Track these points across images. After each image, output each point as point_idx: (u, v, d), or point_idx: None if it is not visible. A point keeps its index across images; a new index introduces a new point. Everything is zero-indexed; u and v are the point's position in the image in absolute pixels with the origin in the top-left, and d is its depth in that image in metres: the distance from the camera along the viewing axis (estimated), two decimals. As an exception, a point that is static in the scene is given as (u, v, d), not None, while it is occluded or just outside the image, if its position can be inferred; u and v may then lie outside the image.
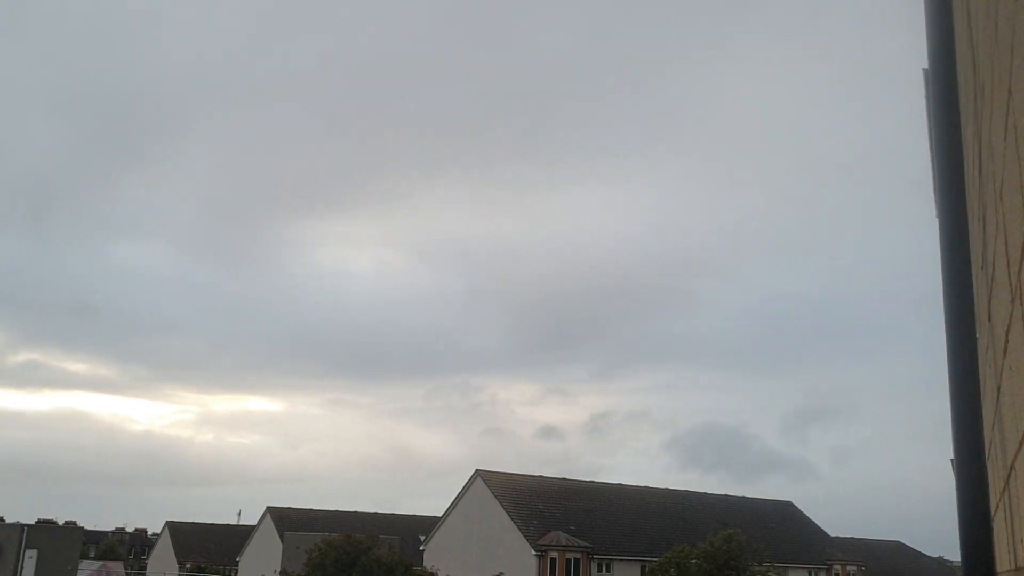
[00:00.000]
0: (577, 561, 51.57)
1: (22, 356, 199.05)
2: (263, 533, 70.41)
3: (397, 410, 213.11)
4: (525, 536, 52.07)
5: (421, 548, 58.02)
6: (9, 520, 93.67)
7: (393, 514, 78.49)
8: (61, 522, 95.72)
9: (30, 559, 46.72)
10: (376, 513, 76.86)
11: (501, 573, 40.26)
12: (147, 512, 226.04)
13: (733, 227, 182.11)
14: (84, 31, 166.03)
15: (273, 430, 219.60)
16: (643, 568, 50.41)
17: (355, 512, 75.00)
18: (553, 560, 51.28)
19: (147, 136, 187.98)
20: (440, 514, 59.56)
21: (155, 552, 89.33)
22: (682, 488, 67.15)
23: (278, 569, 41.22)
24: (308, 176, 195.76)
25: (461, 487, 57.53)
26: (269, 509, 71.66)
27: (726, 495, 69.34)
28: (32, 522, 59.13)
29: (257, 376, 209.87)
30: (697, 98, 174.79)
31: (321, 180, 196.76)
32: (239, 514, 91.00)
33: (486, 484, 55.92)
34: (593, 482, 63.35)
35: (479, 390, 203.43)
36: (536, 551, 51.08)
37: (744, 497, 70.15)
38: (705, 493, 68.20)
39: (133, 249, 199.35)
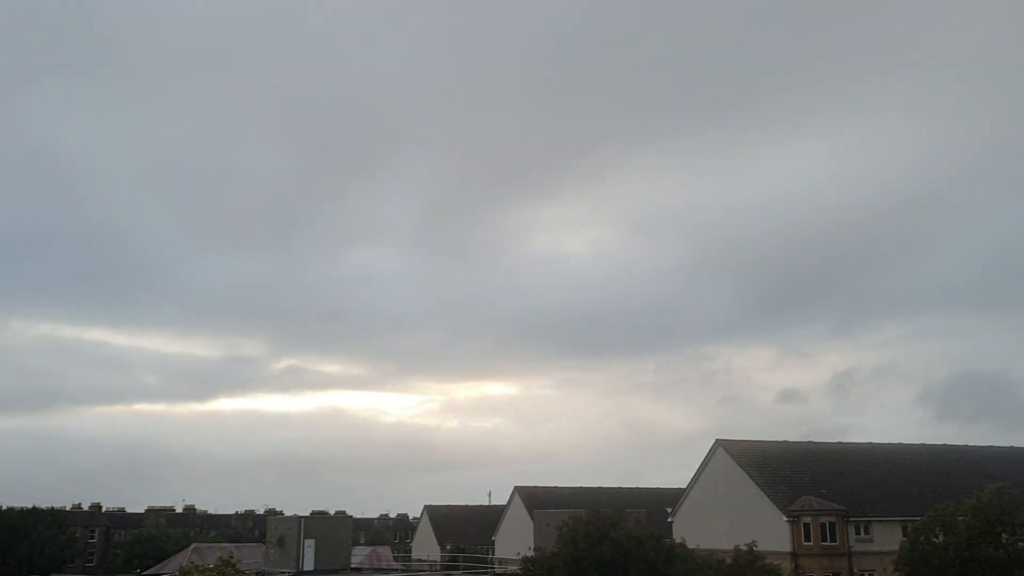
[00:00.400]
0: (832, 525, 49.65)
1: (283, 363, 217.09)
2: (513, 512, 72.85)
3: (629, 386, 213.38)
4: (774, 503, 50.73)
5: (669, 520, 57.92)
6: (288, 513, 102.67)
7: (636, 488, 78.82)
8: (332, 512, 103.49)
9: (309, 547, 50.80)
10: (619, 488, 77.50)
11: (753, 542, 39.43)
12: (406, 497, 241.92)
13: (972, 161, 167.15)
14: (297, 55, 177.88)
15: (511, 413, 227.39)
16: (904, 528, 47.71)
17: (599, 488, 76.03)
18: (807, 525, 49.67)
19: (365, 146, 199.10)
20: (684, 486, 59.18)
21: (417, 535, 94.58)
22: (939, 443, 63.06)
23: (531, 546, 42.51)
24: (517, 164, 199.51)
25: (702, 458, 56.86)
26: (517, 489, 74.02)
27: (991, 446, 64.45)
28: (307, 514, 64.31)
29: (492, 362, 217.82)
30: (920, 19, 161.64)
31: (530, 167, 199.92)
32: (489, 495, 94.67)
33: (728, 453, 54.96)
34: (841, 443, 60.72)
35: (711, 359, 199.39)
36: (788, 517, 49.66)
37: (1013, 447, 64.93)
38: (966, 446, 63.66)
39: (367, 254, 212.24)
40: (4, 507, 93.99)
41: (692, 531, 49.52)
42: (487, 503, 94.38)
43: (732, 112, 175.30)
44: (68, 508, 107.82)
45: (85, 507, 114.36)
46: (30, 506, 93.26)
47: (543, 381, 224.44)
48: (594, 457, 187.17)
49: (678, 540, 39.48)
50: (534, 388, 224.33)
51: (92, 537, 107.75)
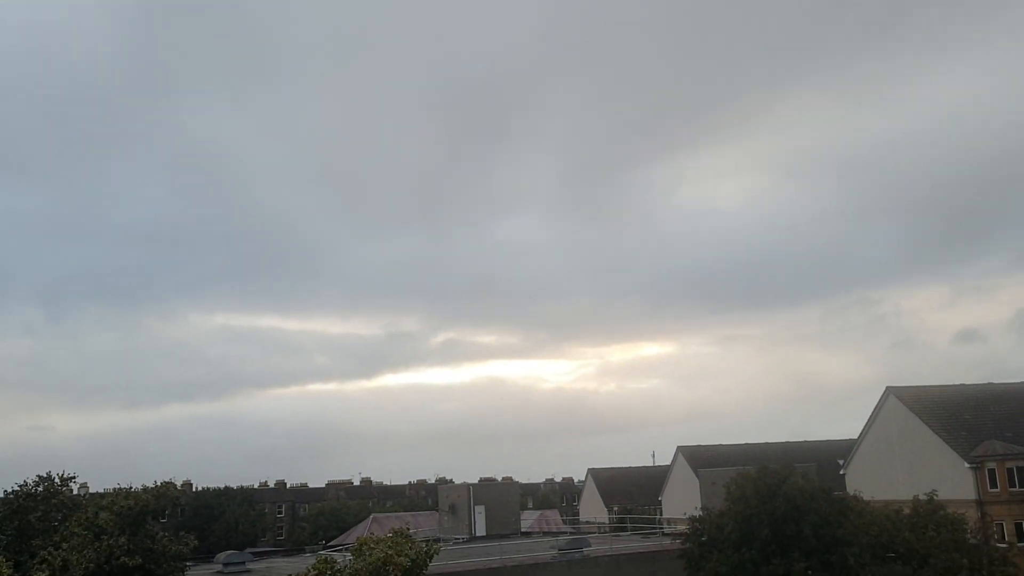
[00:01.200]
0: (1021, 469, 46.70)
1: (441, 336, 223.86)
2: (678, 472, 72.34)
3: (791, 337, 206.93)
4: (954, 449, 48.20)
5: (841, 472, 56.09)
6: (457, 481, 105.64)
7: (804, 442, 76.66)
8: (499, 479, 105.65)
9: (479, 514, 52.16)
10: (786, 443, 75.57)
11: (934, 491, 37.60)
12: (569, 461, 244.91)
13: None
14: (430, 29, 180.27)
15: (669, 372, 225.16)
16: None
17: (765, 444, 74.42)
18: (991, 471, 46.97)
19: (502, 115, 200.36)
20: (854, 438, 57.07)
21: (583, 498, 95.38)
22: None
23: (699, 506, 42.12)
24: (657, 119, 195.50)
25: (872, 408, 54.63)
26: (680, 449, 73.44)
27: None
28: (476, 481, 66.03)
29: (646, 323, 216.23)
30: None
31: (670, 120, 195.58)
32: (653, 456, 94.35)
33: (900, 400, 52.56)
34: (1026, 383, 56.92)
35: (878, 303, 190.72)
36: (970, 464, 47.11)
37: None
38: None
39: (512, 223, 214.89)
40: (200, 488, 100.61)
41: (866, 483, 47.70)
42: (650, 464, 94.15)
43: (883, 36, 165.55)
44: (256, 486, 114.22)
45: (271, 484, 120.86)
46: (222, 486, 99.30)
47: (700, 339, 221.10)
48: (758, 413, 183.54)
49: (852, 493, 38.19)
50: (691, 346, 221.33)
51: (280, 512, 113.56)
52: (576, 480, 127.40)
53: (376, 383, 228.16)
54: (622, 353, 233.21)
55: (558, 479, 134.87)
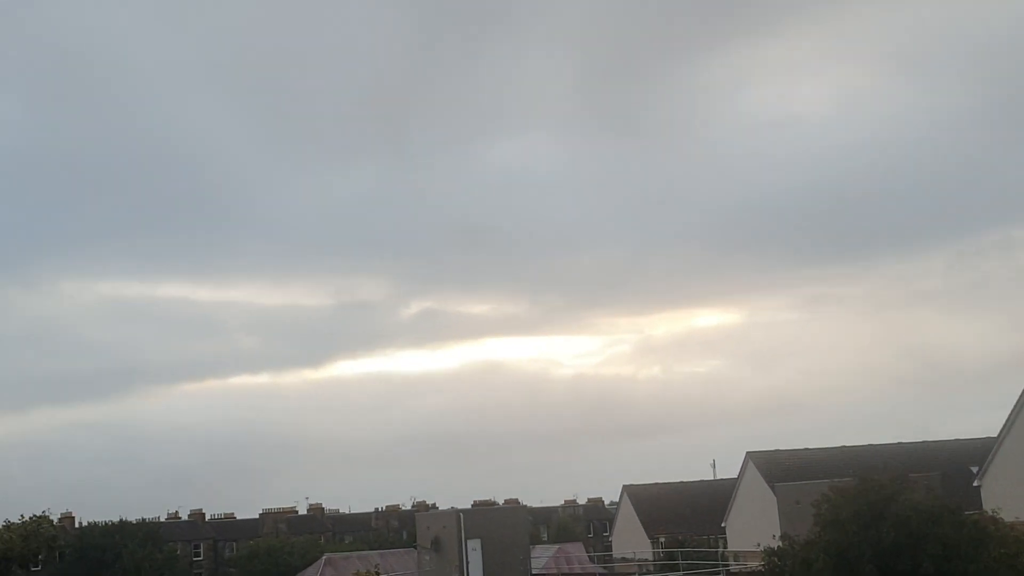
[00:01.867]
0: None
1: (415, 307, 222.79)
2: (747, 487, 72.31)
3: (904, 296, 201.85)
4: None
5: (975, 484, 56.04)
6: (442, 506, 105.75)
7: (923, 443, 76.77)
8: (500, 501, 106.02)
9: (474, 551, 51.94)
10: (898, 444, 75.64)
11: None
12: (597, 476, 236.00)
13: None
14: None
15: (734, 350, 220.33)
16: None
17: (867, 446, 74.22)
18: None
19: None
20: (994, 435, 56.85)
21: (617, 526, 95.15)
22: None
23: (777, 534, 42.26)
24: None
25: (1020, 393, 54.42)
26: (750, 456, 73.31)
27: None
28: (467, 506, 65.85)
29: (700, 282, 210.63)
30: None
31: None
32: (713, 466, 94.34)
33: (1059, 383, 52.13)
34: None
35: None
36: None
37: None
38: None
39: (510, 146, 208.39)
40: (85, 523, 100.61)
41: (1010, 498, 47.52)
42: (709, 478, 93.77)
43: None
44: (163, 519, 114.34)
45: (184, 516, 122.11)
46: (116, 520, 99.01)
47: (776, 301, 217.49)
48: (858, 404, 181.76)
49: (989, 512, 38.28)
50: (764, 312, 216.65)
51: (197, 554, 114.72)
52: (607, 502, 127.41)
53: (326, 373, 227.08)
54: (668, 324, 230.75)
55: (582, 501, 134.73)
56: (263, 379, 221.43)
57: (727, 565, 58.91)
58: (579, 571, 67.29)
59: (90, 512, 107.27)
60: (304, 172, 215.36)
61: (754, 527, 62.27)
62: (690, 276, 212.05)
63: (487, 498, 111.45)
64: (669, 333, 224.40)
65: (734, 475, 76.72)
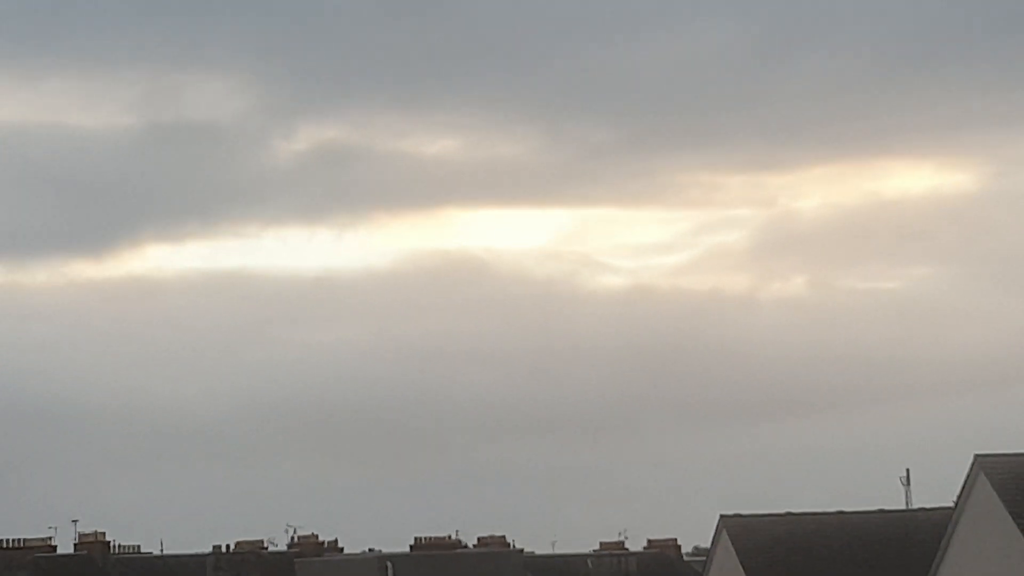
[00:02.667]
0: None
1: (303, 138, 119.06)
2: (975, 519, 47.60)
3: None
4: None
5: None
6: (351, 547, 67.00)
7: None
8: (471, 542, 67.24)
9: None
10: None
11: None
12: (668, 500, 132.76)
13: None
14: None
15: (960, 245, 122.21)
16: None
17: None
18: None
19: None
20: None
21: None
22: None
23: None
24: None
25: None
26: (979, 462, 45.52)
27: None
28: (404, 548, 39.20)
29: (893, 104, 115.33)
30: None
31: None
32: (906, 481, 61.15)
33: None
34: None
35: None
36: None
37: None
38: None
39: None
40: None
41: None
42: (896, 504, 63.56)
43: None
44: None
45: None
46: None
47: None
48: None
49: None
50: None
51: None
52: (688, 548, 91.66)
53: (116, 269, 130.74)
54: (827, 190, 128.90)
55: (635, 544, 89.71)
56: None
57: None
58: None
59: None
60: None
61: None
62: (874, 95, 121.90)
63: (443, 534, 67.92)
64: (828, 208, 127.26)
65: (944, 498, 51.92)
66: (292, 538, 76.45)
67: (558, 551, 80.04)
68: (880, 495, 65.44)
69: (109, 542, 78.76)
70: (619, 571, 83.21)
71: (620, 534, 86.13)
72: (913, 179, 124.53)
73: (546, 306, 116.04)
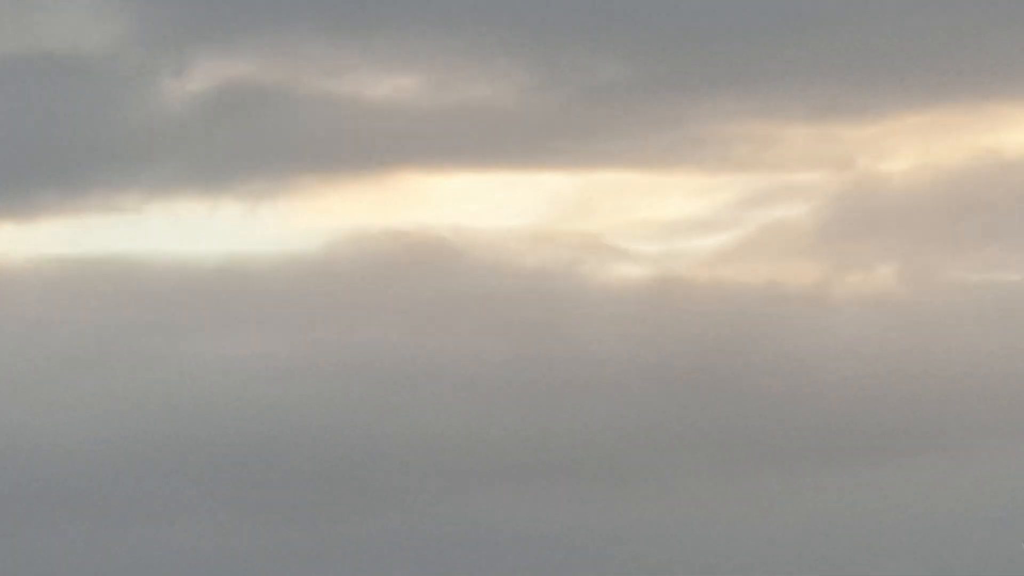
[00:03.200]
0: None
1: (209, 76, 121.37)
2: None
3: None
4: None
5: None
6: None
7: None
8: None
9: None
10: None
11: None
12: None
13: None
14: None
15: None
16: None
17: None
18: None
19: None
20: None
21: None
22: None
23: None
24: None
25: None
26: None
27: None
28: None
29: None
30: None
31: None
32: None
33: None
34: None
35: None
36: None
37: None
38: None
39: None
40: None
41: None
42: None
43: None
44: None
45: None
46: None
47: None
48: None
49: None
50: None
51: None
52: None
53: None
54: (929, 142, 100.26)
55: None
56: None
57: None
58: None
59: None
60: None
61: None
62: (990, 16, 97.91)
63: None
64: (926, 171, 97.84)
65: None
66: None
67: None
68: (1005, 567, 59.11)
69: None
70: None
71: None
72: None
73: (539, 306, 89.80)
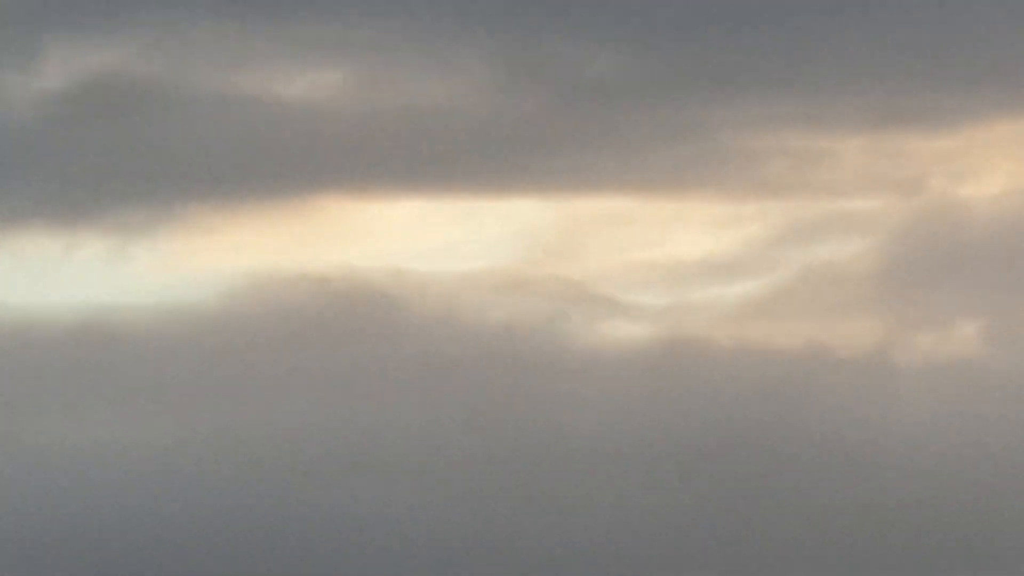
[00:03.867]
0: None
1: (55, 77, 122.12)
2: None
3: None
4: None
5: None
6: None
7: None
8: None
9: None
10: None
11: None
12: None
13: None
14: None
15: None
16: None
17: None
18: None
19: None
20: None
21: None
22: None
23: None
24: None
25: None
26: None
27: None
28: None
29: None
30: None
31: None
32: None
33: None
34: None
35: None
36: None
37: None
38: None
39: None
40: None
41: None
42: None
43: None
44: None
45: None
46: None
47: None
48: None
49: None
50: None
51: None
52: None
53: None
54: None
55: None
56: None
57: None
58: None
59: None
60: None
61: None
62: None
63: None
64: (1021, 196, 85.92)
65: None
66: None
67: None
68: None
69: None
70: None
71: None
72: None
73: (506, 376, 73.13)
